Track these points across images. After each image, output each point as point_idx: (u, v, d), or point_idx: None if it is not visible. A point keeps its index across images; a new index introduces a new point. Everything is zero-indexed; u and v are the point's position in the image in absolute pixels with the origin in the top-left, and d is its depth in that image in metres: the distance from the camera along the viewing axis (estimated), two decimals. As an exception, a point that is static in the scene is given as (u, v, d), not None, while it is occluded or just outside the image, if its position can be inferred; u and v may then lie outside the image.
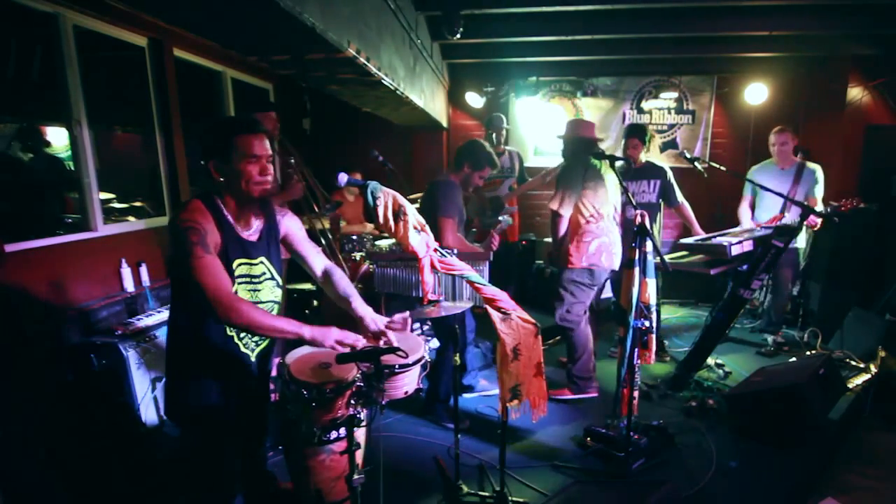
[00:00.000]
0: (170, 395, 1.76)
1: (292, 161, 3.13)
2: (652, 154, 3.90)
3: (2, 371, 2.23)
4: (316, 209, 3.35)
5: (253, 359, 1.77)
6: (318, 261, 1.91)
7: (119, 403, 2.50)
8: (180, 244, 1.48)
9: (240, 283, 1.65)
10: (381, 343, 1.72)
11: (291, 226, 1.86)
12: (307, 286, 4.38)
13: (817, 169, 4.02)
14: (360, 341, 1.65)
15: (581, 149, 3.23)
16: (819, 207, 3.90)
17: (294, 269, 3.79)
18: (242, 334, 1.71)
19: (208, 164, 1.58)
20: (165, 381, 1.77)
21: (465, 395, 3.34)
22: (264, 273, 1.73)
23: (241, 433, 1.84)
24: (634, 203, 2.53)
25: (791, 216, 3.95)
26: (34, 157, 3.04)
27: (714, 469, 2.56)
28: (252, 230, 1.70)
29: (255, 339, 1.76)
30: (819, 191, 3.98)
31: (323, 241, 3.45)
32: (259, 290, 1.71)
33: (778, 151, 4.08)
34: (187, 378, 1.68)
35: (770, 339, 4.15)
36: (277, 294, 1.79)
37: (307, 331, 1.55)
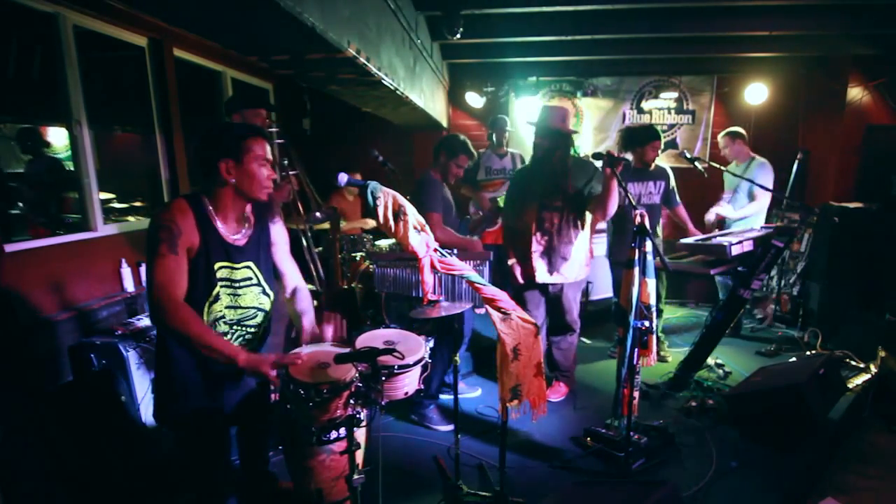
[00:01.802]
0: (156, 397, 1.74)
1: (286, 162, 3.12)
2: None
3: (2, 371, 2.23)
4: (302, 213, 3.31)
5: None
6: (292, 279, 1.93)
7: (119, 403, 2.50)
8: (149, 240, 1.51)
9: (221, 287, 1.64)
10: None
11: (278, 237, 1.87)
12: (307, 286, 4.38)
13: (759, 164, 4.22)
14: (304, 352, 1.64)
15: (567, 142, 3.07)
16: (760, 202, 4.20)
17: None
18: (223, 331, 1.69)
19: (218, 165, 1.58)
20: (153, 383, 1.76)
21: (442, 396, 3.30)
22: (249, 278, 1.71)
23: (236, 434, 1.84)
24: (634, 203, 2.53)
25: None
26: (34, 157, 3.04)
27: (714, 469, 2.56)
28: (239, 234, 1.69)
29: (237, 338, 1.74)
30: (758, 186, 4.00)
31: (304, 244, 3.41)
32: (240, 296, 1.70)
33: (729, 155, 4.36)
34: (168, 379, 1.67)
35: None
36: (263, 301, 1.77)
37: (242, 357, 1.52)
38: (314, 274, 3.38)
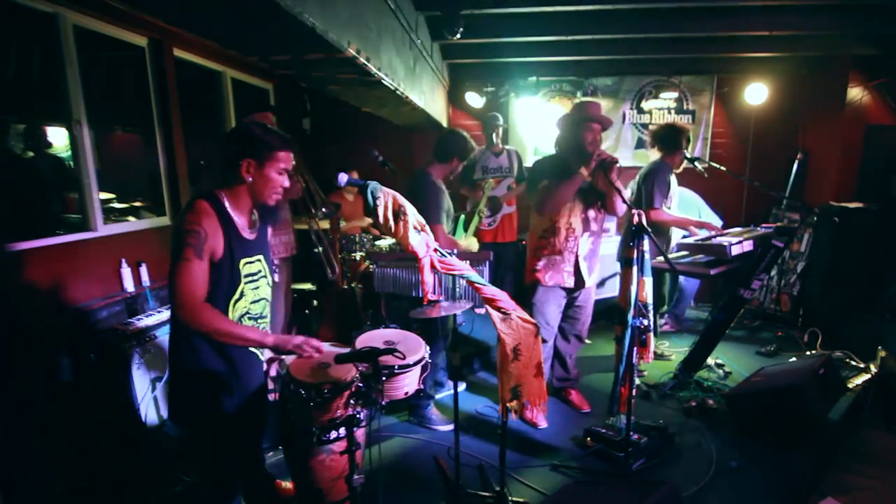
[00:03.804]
0: (175, 396, 1.75)
1: (293, 163, 3.16)
2: (654, 154, 3.87)
3: (2, 371, 2.23)
4: (313, 211, 3.37)
5: (262, 357, 1.82)
6: None
7: (119, 403, 2.50)
8: (177, 244, 1.52)
9: (245, 283, 1.68)
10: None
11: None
12: (307, 286, 4.38)
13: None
14: (324, 346, 1.70)
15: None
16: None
17: (294, 268, 3.81)
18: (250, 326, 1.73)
19: (240, 162, 1.62)
20: (169, 382, 1.77)
21: (440, 395, 3.32)
22: (260, 270, 1.77)
23: (245, 431, 1.84)
24: (629, 203, 2.54)
25: None
26: (35, 157, 3.04)
27: (714, 469, 2.56)
28: (253, 229, 1.75)
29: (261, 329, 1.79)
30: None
31: (318, 242, 3.45)
32: (258, 288, 1.76)
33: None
34: (194, 378, 1.68)
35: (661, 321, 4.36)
36: (268, 292, 1.84)
37: (270, 339, 1.62)
38: (327, 268, 3.41)
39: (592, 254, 3.02)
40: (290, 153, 1.69)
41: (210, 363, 1.66)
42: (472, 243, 3.45)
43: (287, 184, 1.71)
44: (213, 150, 3.88)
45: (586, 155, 2.81)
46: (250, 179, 1.64)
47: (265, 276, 1.80)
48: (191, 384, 1.69)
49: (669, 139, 3.69)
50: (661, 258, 3.19)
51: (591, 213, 2.96)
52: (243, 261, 1.67)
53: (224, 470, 1.80)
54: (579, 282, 2.99)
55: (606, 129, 3.03)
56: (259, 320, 1.78)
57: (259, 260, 1.76)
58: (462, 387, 3.50)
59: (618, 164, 2.74)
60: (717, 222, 4.30)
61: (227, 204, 1.65)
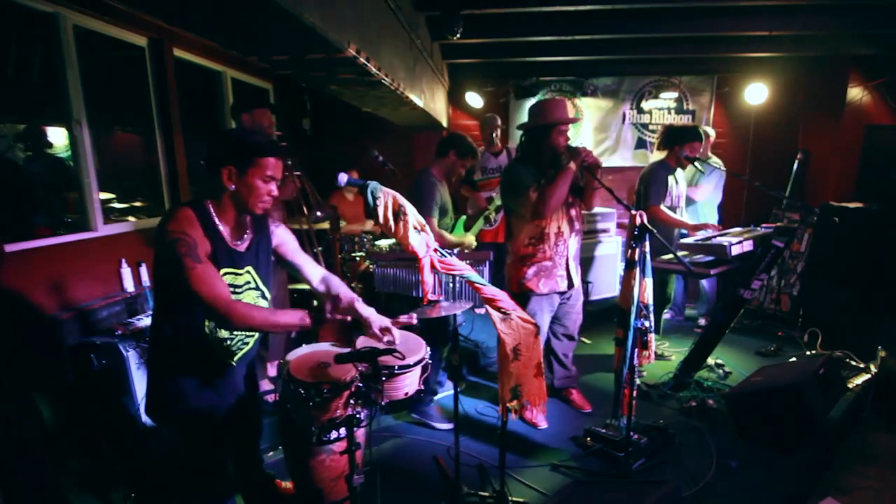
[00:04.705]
0: (150, 394, 1.73)
1: (289, 163, 3.14)
2: (654, 154, 3.88)
3: (2, 371, 2.23)
4: (306, 212, 3.35)
5: (234, 362, 1.76)
6: (314, 270, 1.93)
7: (119, 403, 2.50)
8: (171, 256, 1.48)
9: None
10: (385, 341, 1.74)
11: (284, 236, 1.88)
12: (307, 286, 4.37)
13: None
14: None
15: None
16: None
17: (294, 269, 3.80)
18: (225, 337, 1.70)
19: (221, 169, 1.58)
20: (147, 381, 1.75)
21: (440, 396, 3.31)
22: (248, 283, 1.72)
23: (229, 434, 1.83)
24: (627, 205, 2.54)
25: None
26: (35, 157, 3.04)
27: (714, 469, 2.56)
28: (242, 240, 1.70)
29: (237, 342, 1.74)
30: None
31: (317, 243, 3.45)
32: (241, 300, 1.70)
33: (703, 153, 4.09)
34: (167, 379, 1.67)
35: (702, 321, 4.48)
36: (261, 304, 1.78)
37: (308, 319, 1.60)
38: None
39: (577, 253, 3.04)
40: (277, 159, 1.61)
41: (178, 366, 1.65)
42: (467, 239, 3.41)
43: (276, 192, 1.65)
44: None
45: (559, 159, 2.81)
46: (232, 188, 1.59)
47: (254, 289, 1.74)
48: (161, 385, 1.68)
49: (665, 139, 3.79)
50: (670, 256, 3.21)
51: (573, 213, 2.96)
52: (224, 270, 1.61)
53: (203, 471, 1.79)
54: (571, 283, 3.01)
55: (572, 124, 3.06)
56: (237, 332, 1.71)
57: (247, 272, 1.71)
58: (462, 385, 3.51)
59: (601, 166, 2.79)
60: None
61: (212, 212, 1.61)
